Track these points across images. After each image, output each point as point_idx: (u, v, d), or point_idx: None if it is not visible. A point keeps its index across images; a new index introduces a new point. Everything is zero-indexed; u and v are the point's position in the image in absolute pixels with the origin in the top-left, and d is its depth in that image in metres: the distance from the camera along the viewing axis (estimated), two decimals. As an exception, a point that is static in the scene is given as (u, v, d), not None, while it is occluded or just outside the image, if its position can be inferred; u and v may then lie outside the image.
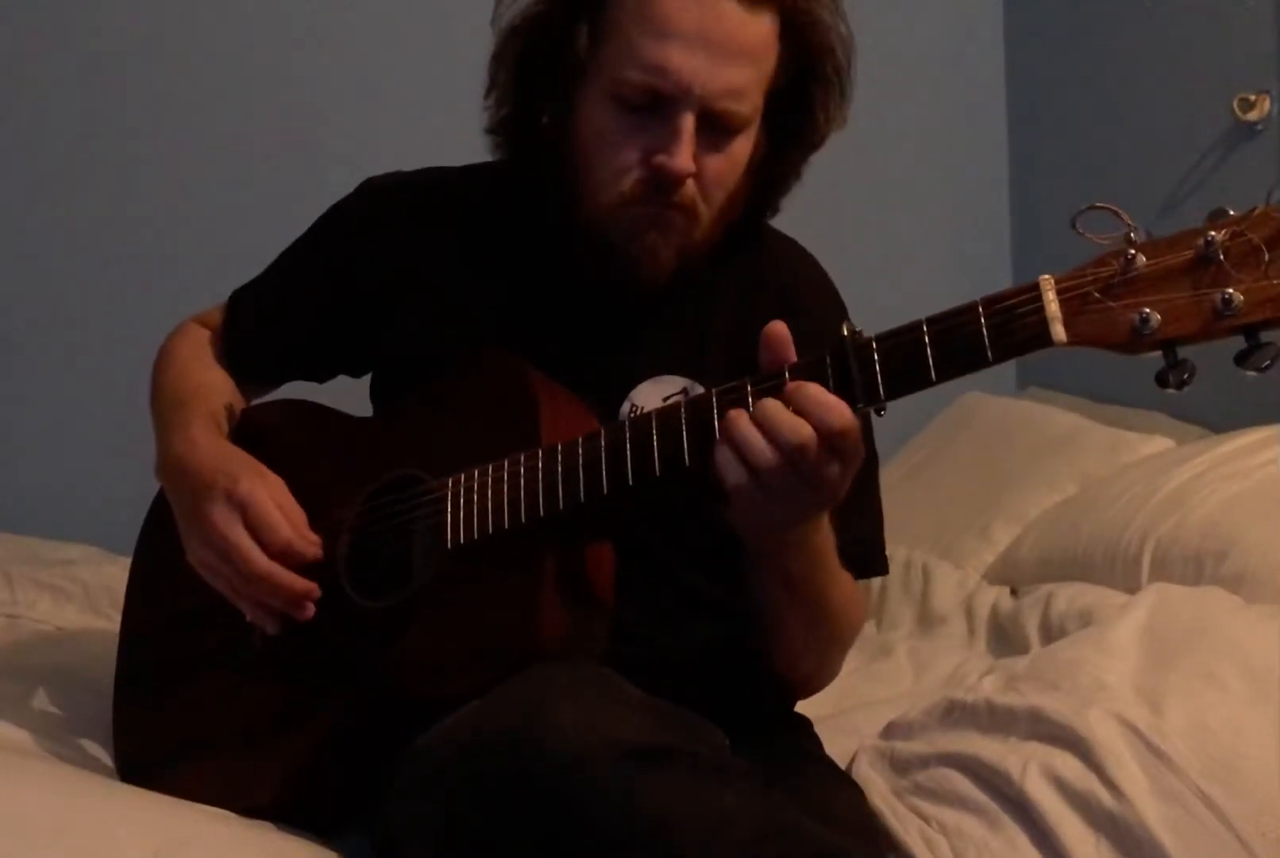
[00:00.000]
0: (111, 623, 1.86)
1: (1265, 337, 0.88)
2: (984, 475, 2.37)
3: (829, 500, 1.05)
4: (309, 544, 1.20)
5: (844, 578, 1.22)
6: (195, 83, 2.61)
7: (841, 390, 0.99)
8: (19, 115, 2.58)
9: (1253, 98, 2.26)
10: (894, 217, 2.88)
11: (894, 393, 0.99)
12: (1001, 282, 2.92)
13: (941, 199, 2.94)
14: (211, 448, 1.28)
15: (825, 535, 1.14)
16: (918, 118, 2.87)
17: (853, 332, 1.00)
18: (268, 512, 1.19)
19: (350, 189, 1.43)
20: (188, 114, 2.61)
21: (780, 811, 0.97)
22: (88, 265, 2.60)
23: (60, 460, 2.59)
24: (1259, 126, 2.27)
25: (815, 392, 0.99)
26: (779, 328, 1.04)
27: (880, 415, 1.01)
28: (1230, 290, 0.87)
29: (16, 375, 2.58)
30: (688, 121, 1.19)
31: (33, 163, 2.58)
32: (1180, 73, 2.46)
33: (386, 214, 1.38)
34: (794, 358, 1.03)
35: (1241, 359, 0.88)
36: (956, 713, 1.34)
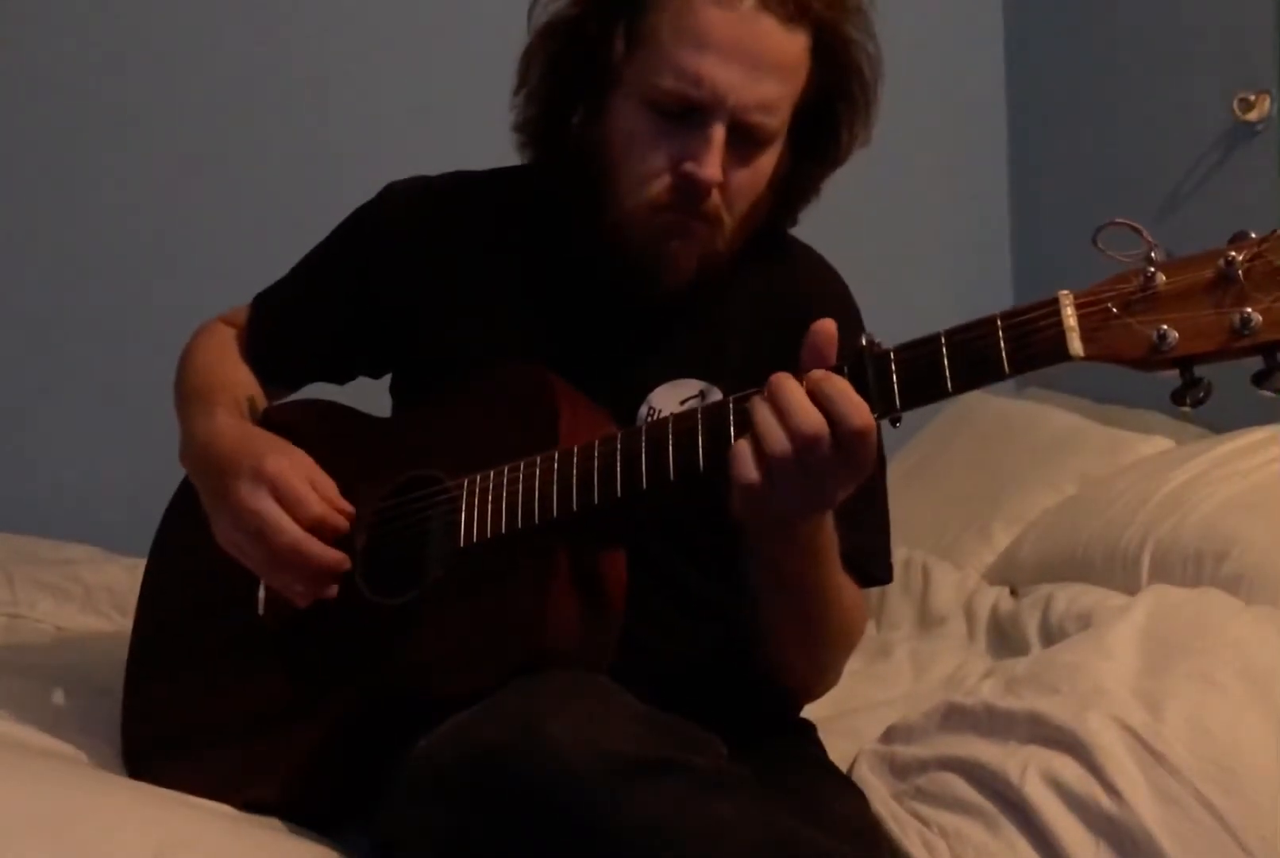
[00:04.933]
0: (112, 623, 1.87)
1: None
2: (984, 475, 2.37)
3: (829, 502, 1.05)
4: (340, 514, 1.21)
5: (845, 583, 1.22)
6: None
7: None
8: (28, 115, 2.58)
9: (1253, 98, 2.26)
10: (893, 217, 2.87)
11: (910, 403, 0.99)
12: (1002, 282, 2.94)
13: (941, 198, 2.94)
14: (237, 431, 1.29)
15: (827, 537, 1.14)
16: (917, 117, 2.86)
17: (871, 342, 1.00)
18: (296, 486, 1.20)
19: (372, 192, 1.43)
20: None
21: (779, 821, 0.97)
22: (91, 267, 2.60)
23: (61, 461, 2.60)
24: (1259, 127, 2.27)
25: (842, 385, 0.99)
26: (828, 325, 1.03)
27: (895, 427, 1.01)
28: (1250, 310, 0.87)
29: (17, 376, 2.59)
30: (719, 132, 1.20)
31: (43, 163, 2.59)
32: (1180, 72, 2.46)
33: (409, 218, 1.39)
34: (834, 359, 1.03)
35: (1260, 380, 0.89)
36: (956, 717, 1.34)
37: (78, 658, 1.60)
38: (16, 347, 2.59)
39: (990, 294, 2.82)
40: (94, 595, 2.01)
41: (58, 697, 1.44)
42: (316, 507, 1.20)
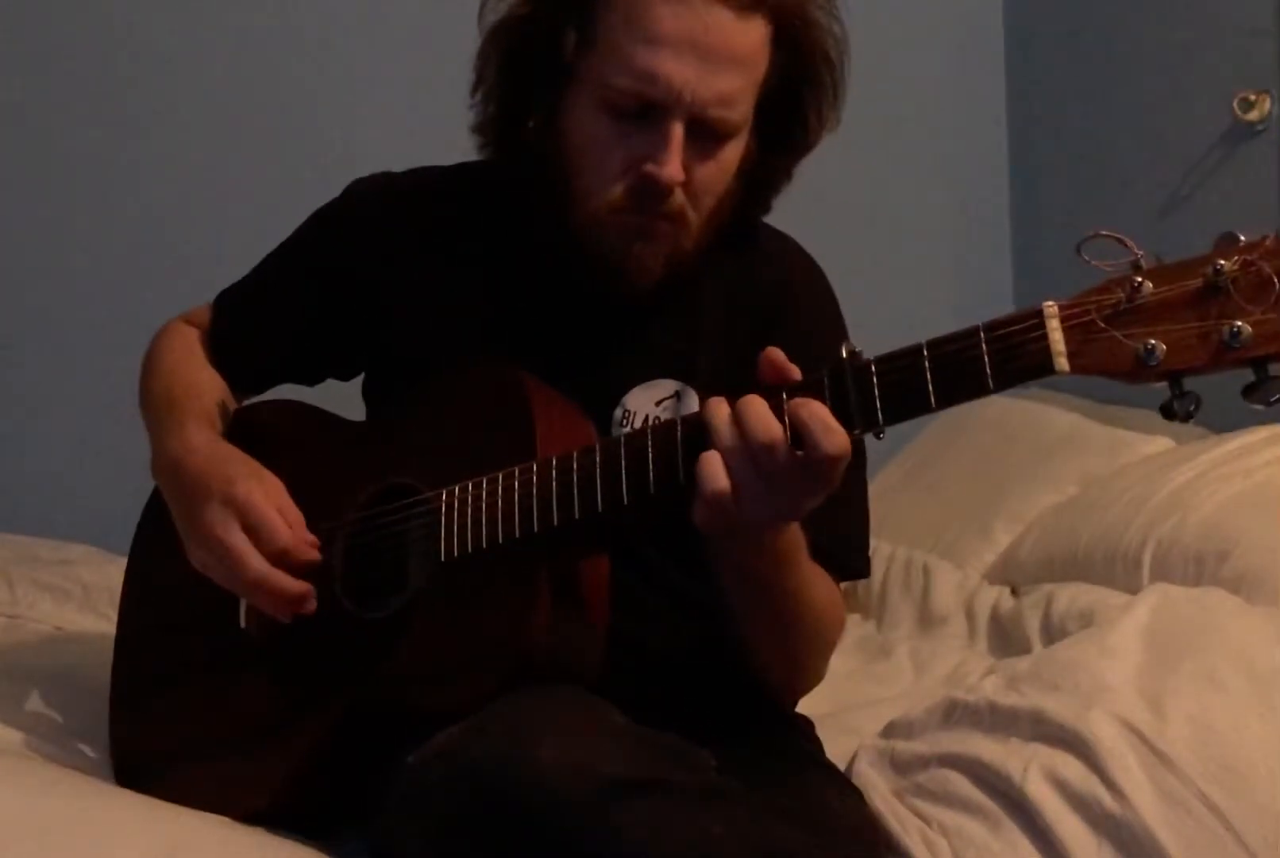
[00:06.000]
0: (111, 624, 1.85)
1: (1273, 370, 0.86)
2: (984, 475, 2.37)
3: (797, 513, 1.03)
4: (307, 547, 1.19)
5: (818, 580, 1.20)
6: (188, 83, 2.62)
7: (838, 413, 0.97)
8: (11, 115, 2.57)
9: (1253, 97, 2.26)
10: (892, 217, 2.88)
11: (893, 419, 0.96)
12: (1002, 282, 2.93)
13: (941, 198, 2.94)
14: (208, 449, 1.27)
15: (792, 538, 1.13)
16: (917, 118, 2.87)
17: (851, 353, 0.98)
18: (265, 515, 1.18)
19: (340, 190, 1.41)
20: (181, 115, 2.62)
21: (772, 835, 0.97)
22: (87, 265, 2.60)
23: (60, 460, 2.59)
24: (1259, 126, 2.27)
25: (819, 411, 0.97)
26: (774, 353, 1.02)
27: (879, 438, 0.99)
28: (1239, 323, 0.85)
29: (16, 375, 2.58)
30: (677, 130, 1.18)
31: (28, 162, 2.58)
32: (1180, 72, 2.46)
33: (374, 215, 1.37)
34: (797, 377, 1.01)
35: (1249, 392, 0.86)
36: (958, 713, 1.33)
37: (77, 659, 1.60)
38: (16, 346, 2.59)
39: (991, 295, 2.82)
40: (93, 596, 2.01)
41: (57, 699, 1.43)
42: (283, 537, 1.17)
